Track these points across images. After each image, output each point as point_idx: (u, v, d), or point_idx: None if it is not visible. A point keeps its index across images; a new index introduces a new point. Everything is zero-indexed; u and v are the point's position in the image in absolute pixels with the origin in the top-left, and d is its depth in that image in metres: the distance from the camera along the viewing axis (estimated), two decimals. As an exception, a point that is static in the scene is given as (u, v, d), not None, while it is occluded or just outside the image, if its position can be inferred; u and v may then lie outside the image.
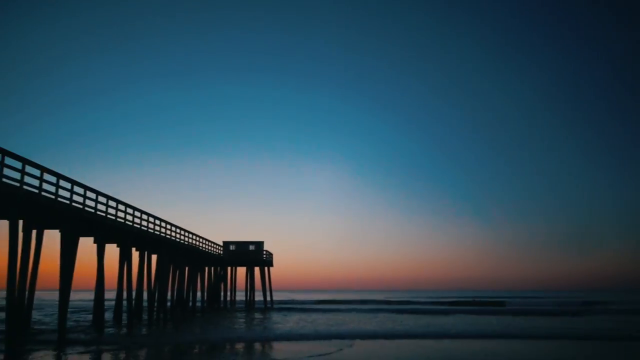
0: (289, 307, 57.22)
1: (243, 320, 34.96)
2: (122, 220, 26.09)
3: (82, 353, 16.96)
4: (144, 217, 29.14)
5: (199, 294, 45.05)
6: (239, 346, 19.57)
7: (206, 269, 48.36)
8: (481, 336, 23.85)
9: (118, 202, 25.57)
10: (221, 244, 51.73)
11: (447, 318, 38.19)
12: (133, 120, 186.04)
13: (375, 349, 18.94)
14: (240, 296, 59.23)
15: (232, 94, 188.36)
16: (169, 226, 33.49)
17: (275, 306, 56.50)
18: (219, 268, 52.14)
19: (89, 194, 22.52)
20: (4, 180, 16.74)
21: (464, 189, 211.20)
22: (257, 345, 19.90)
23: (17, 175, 17.55)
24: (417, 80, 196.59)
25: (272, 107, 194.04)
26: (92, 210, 22.90)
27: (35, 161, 18.31)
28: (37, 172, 18.65)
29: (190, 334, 24.04)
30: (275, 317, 38.75)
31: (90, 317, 34.32)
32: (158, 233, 31.44)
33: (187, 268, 40.04)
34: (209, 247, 44.89)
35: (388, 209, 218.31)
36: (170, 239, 33.72)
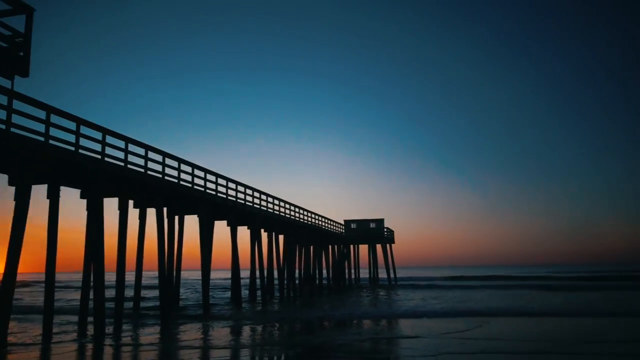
0: (413, 283, 56.85)
1: (368, 297, 35.49)
2: (251, 204, 27.75)
3: (224, 327, 18.46)
4: (270, 200, 30.70)
5: (324, 271, 46.56)
6: (367, 322, 19.88)
7: (330, 247, 49.75)
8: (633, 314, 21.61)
9: (246, 187, 27.22)
10: (342, 222, 52.77)
11: (589, 294, 35.21)
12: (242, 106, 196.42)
13: (512, 327, 18.02)
14: (363, 274, 60.16)
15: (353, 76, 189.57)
16: (294, 208, 34.95)
17: (399, 283, 56.52)
18: (341, 246, 53.34)
19: (220, 180, 24.25)
20: (149, 172, 18.59)
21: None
22: (385, 322, 20.05)
23: (159, 167, 19.43)
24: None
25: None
26: (224, 196, 24.63)
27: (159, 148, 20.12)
28: (175, 164, 20.45)
29: (319, 310, 24.96)
30: (401, 293, 38.79)
31: (224, 294, 37.24)
32: (284, 215, 32.97)
33: (312, 247, 41.51)
34: (332, 226, 46.05)
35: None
36: (295, 220, 35.21)
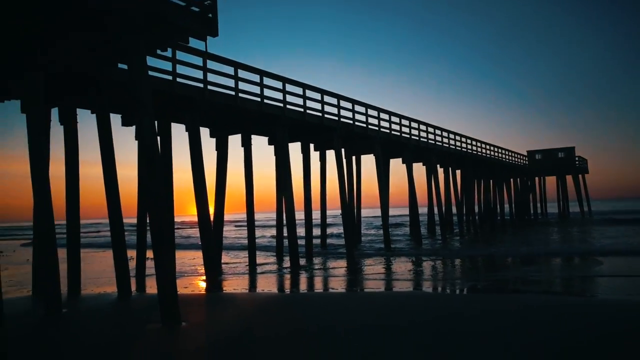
0: (612, 218, 50.73)
1: (556, 233, 32.92)
2: (426, 140, 27.35)
3: (405, 261, 19.00)
4: (445, 135, 29.84)
5: (505, 207, 44.33)
6: (555, 260, 18.51)
7: (511, 180, 46.93)
8: None
9: (420, 123, 26.81)
10: (525, 154, 49.05)
11: None
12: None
13: None
14: (551, 208, 55.73)
15: None
16: (471, 141, 33.52)
17: (595, 217, 51.04)
18: (525, 179, 49.87)
19: (393, 118, 24.26)
20: (326, 116, 19.39)
21: None
22: (577, 260, 18.44)
23: (334, 110, 20.16)
24: None
25: None
26: (398, 134, 24.65)
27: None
28: (349, 105, 20.97)
29: (500, 246, 24.04)
30: (596, 229, 35.05)
31: (402, 231, 37.96)
32: (460, 149, 31.86)
33: (491, 181, 39.65)
34: (512, 158, 43.17)
35: None
36: (473, 153, 33.81)
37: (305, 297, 12.04)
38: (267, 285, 14.10)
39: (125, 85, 11.83)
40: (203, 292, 13.02)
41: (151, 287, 13.35)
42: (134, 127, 14.84)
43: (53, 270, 9.19)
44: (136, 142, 14.79)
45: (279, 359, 5.80)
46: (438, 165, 31.33)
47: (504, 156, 40.56)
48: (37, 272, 12.18)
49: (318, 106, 19.09)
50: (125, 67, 11.31)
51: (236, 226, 56.96)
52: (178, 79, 13.26)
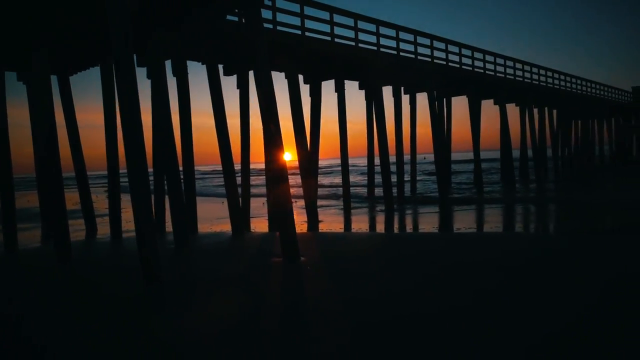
0: None
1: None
2: (521, 79, 26.03)
3: (496, 208, 18.71)
4: (542, 72, 28.17)
5: (605, 148, 41.56)
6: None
7: (612, 120, 43.65)
8: None
9: (516, 61, 25.47)
10: (630, 90, 45.08)
11: None
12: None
13: None
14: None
15: None
16: (567, 78, 31.38)
17: None
18: (630, 117, 46.04)
19: (487, 57, 23.24)
20: (419, 57, 18.97)
21: None
22: None
23: (427, 51, 19.65)
24: None
25: None
26: (492, 73, 23.65)
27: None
28: (442, 45, 20.35)
29: (601, 191, 22.81)
30: None
31: (492, 176, 36.89)
32: (557, 87, 30.00)
33: (590, 121, 37.17)
34: (615, 96, 39.92)
35: None
36: (569, 91, 31.71)
37: (401, 236, 12.45)
38: (363, 225, 14.66)
39: (231, 36, 12.34)
40: (305, 231, 13.80)
41: (256, 227, 14.38)
42: (234, 76, 15.54)
43: (181, 210, 10.24)
44: (237, 90, 15.59)
45: (389, 285, 6.24)
46: (532, 106, 29.84)
47: (605, 94, 37.59)
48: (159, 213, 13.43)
49: (409, 48, 18.74)
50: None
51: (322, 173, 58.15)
52: (278, 27, 13.57)
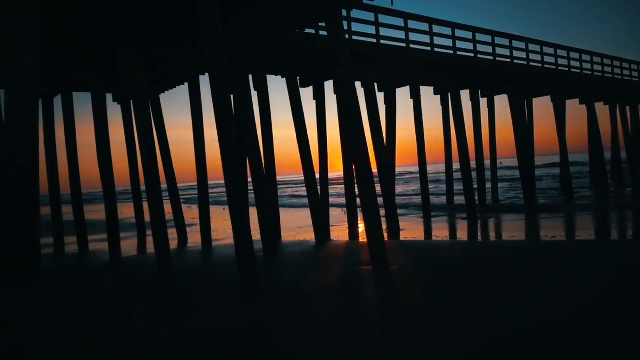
0: None
1: None
2: (611, 76, 24.46)
3: (588, 215, 17.55)
4: (634, 67, 26.31)
5: None
6: None
7: None
8: None
9: (604, 56, 24.00)
10: None
11: None
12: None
13: None
14: None
15: None
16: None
17: None
18: None
19: (572, 54, 22.08)
20: (498, 59, 18.36)
21: None
22: None
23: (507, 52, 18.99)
24: None
25: None
26: (578, 71, 22.42)
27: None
28: (522, 45, 19.59)
29: None
30: None
31: (579, 180, 34.65)
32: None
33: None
34: None
35: None
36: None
37: (487, 245, 11.99)
38: (443, 234, 14.31)
39: (309, 48, 12.60)
40: (387, 239, 13.65)
41: (337, 236, 14.48)
42: (310, 87, 15.84)
43: (268, 219, 10.54)
44: (313, 101, 15.85)
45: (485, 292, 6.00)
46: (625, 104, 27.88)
47: None
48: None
49: (487, 49, 18.19)
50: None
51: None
52: (354, 37, 13.70)
